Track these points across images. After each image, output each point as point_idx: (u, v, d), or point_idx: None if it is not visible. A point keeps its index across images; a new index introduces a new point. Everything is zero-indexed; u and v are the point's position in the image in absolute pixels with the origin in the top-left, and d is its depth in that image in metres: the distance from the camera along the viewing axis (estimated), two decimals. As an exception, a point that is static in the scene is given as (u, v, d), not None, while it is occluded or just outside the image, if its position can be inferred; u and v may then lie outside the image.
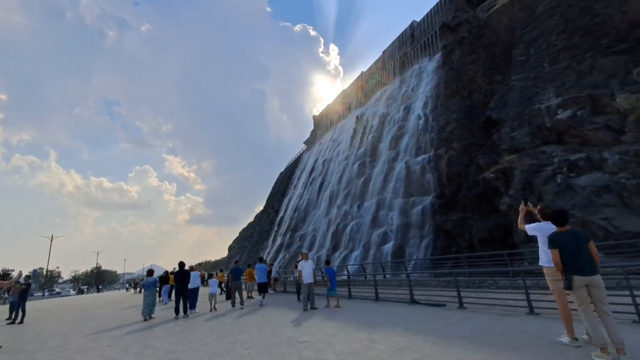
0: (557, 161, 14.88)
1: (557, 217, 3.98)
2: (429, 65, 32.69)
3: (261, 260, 12.49)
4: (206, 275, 21.70)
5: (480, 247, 15.96)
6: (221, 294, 20.59)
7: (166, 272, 18.38)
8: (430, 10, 38.64)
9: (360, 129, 39.58)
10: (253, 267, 13.78)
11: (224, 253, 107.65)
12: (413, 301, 8.55)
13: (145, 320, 10.50)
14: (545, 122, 16.99)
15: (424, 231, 20.16)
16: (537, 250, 4.82)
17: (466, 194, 18.28)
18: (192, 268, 11.06)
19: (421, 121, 26.63)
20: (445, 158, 21.27)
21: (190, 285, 10.34)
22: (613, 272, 10.24)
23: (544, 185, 14.64)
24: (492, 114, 20.69)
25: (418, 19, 41.37)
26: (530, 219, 5.24)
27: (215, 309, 11.60)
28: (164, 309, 13.52)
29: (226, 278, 15.72)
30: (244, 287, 19.00)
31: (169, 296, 17.47)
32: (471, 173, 19.10)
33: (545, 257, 4.19)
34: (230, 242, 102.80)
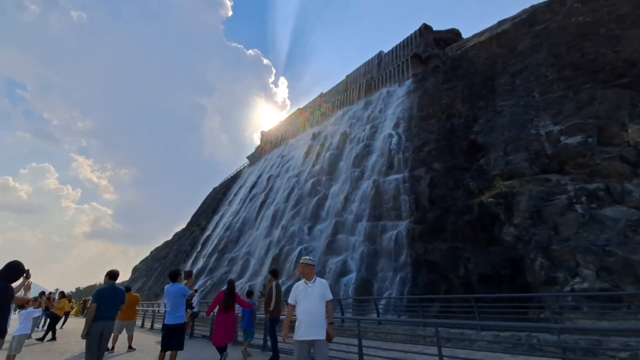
0: (573, 189, 12.59)
1: None
2: (399, 89, 31.35)
3: (175, 276, 5.59)
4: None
5: (480, 286, 12.43)
6: (48, 339, 11.92)
7: None
8: (399, 43, 38.70)
9: (317, 146, 35.97)
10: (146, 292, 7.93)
11: (126, 275, 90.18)
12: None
13: None
14: (545, 149, 15.12)
15: (398, 262, 16.22)
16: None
17: (456, 219, 15.07)
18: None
19: (393, 139, 23.97)
20: (426, 179, 18.27)
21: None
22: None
23: (562, 215, 12.04)
24: (478, 138, 18.71)
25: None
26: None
27: None
28: None
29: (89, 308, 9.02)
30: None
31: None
32: (460, 197, 16.19)
33: None
34: (137, 262, 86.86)
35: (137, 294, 9.30)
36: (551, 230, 11.97)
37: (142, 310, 19.94)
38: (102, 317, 4.92)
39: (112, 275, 5.45)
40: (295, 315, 3.96)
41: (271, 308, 7.14)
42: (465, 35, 38.61)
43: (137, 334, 13.46)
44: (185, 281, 5.77)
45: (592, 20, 19.11)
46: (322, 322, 3.80)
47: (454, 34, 38.00)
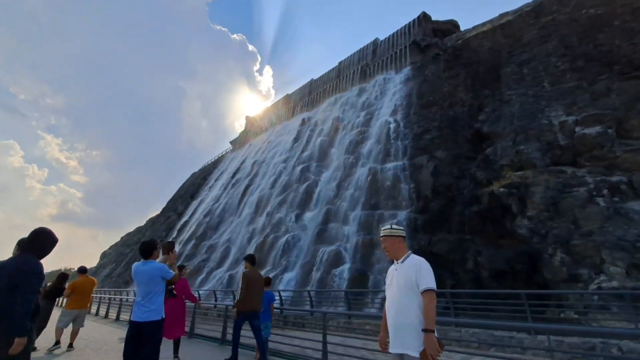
0: (593, 182, 11.73)
1: None
2: (396, 77, 30.10)
3: (149, 249, 3.59)
4: None
5: (492, 282, 11.40)
6: None
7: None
8: (396, 31, 37.42)
9: (307, 131, 34.27)
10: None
11: (94, 261, 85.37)
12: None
13: None
14: (558, 139, 14.28)
15: (397, 254, 14.98)
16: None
17: (463, 210, 13.99)
18: None
19: (391, 126, 22.70)
20: (428, 167, 17.13)
21: None
22: None
23: (582, 208, 11.14)
24: (483, 127, 17.73)
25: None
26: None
27: None
28: None
29: None
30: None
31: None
32: (466, 186, 15.13)
33: None
34: (107, 247, 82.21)
35: (94, 278, 7.44)
36: (571, 224, 11.06)
37: (108, 298, 17.81)
38: None
39: (30, 250, 3.30)
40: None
41: (236, 300, 5.79)
42: (463, 27, 37.79)
43: (99, 326, 11.55)
44: (165, 257, 4.01)
45: (604, 13, 18.46)
46: (409, 327, 2.27)
47: (453, 25, 37.11)
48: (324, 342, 4.72)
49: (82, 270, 7.26)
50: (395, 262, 2.58)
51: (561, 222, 11.28)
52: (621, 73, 14.96)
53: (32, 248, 2.87)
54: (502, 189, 13.26)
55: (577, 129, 13.90)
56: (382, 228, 2.64)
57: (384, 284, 10.46)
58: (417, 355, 2.20)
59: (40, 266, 2.86)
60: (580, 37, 18.16)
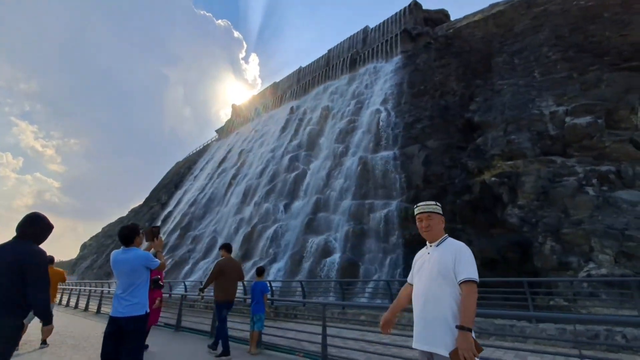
0: (583, 171, 11.81)
1: None
2: (387, 65, 29.72)
3: (131, 235, 3.12)
4: None
5: (483, 270, 11.38)
6: None
7: None
8: (387, 19, 36.89)
9: (295, 120, 33.64)
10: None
11: (73, 253, 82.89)
12: None
13: None
14: (548, 129, 14.33)
15: (388, 244, 14.93)
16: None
17: (454, 199, 13.95)
18: None
19: (382, 115, 22.41)
20: (420, 156, 17.00)
21: None
22: None
23: (572, 197, 11.22)
24: (474, 117, 17.67)
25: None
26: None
27: None
28: None
29: None
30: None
31: None
32: (457, 176, 15.07)
33: None
34: (87, 239, 79.75)
35: (60, 269, 6.85)
36: (561, 213, 11.13)
37: (88, 290, 17.09)
38: None
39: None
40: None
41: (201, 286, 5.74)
42: (452, 18, 37.52)
43: (78, 320, 10.98)
44: (149, 244, 3.54)
45: (595, 4, 18.55)
46: (441, 321, 1.95)
47: (443, 15, 36.84)
48: (324, 335, 4.42)
49: (49, 261, 6.70)
50: (428, 245, 2.25)
51: (551, 211, 11.34)
52: (611, 64, 15.08)
53: (29, 234, 2.64)
54: (493, 179, 13.24)
55: (568, 119, 13.95)
56: (423, 204, 2.27)
57: (374, 273, 10.15)
58: (447, 355, 1.89)
59: (45, 254, 2.74)
60: (571, 28, 18.20)
